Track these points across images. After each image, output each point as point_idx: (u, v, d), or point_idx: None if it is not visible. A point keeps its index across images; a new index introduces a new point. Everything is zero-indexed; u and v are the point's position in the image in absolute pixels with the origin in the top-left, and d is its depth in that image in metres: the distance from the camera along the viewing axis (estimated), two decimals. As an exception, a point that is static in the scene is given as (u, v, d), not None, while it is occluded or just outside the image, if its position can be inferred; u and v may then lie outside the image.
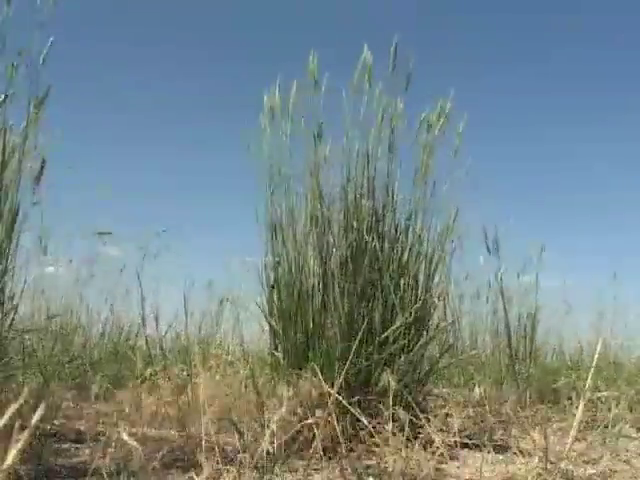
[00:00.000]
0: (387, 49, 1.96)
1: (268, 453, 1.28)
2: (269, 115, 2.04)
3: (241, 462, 1.27)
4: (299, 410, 1.55)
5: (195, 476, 1.26)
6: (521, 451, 1.60)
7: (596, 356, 1.64)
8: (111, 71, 7.00)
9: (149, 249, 3.10)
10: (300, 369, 1.62)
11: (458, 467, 1.56)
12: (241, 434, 1.40)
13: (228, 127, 6.81)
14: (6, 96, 1.60)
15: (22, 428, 0.46)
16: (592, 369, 1.32)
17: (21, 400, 0.49)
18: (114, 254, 3.52)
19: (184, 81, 7.47)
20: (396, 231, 1.96)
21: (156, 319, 2.51)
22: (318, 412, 1.47)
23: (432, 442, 1.50)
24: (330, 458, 1.48)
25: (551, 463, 1.27)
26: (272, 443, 1.30)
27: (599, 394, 1.69)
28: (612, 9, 6.76)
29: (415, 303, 1.87)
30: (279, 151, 2.04)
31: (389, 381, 1.50)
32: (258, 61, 6.84)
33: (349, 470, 1.40)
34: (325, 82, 1.99)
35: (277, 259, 1.98)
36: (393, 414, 1.51)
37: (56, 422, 1.84)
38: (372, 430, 1.48)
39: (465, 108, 2.09)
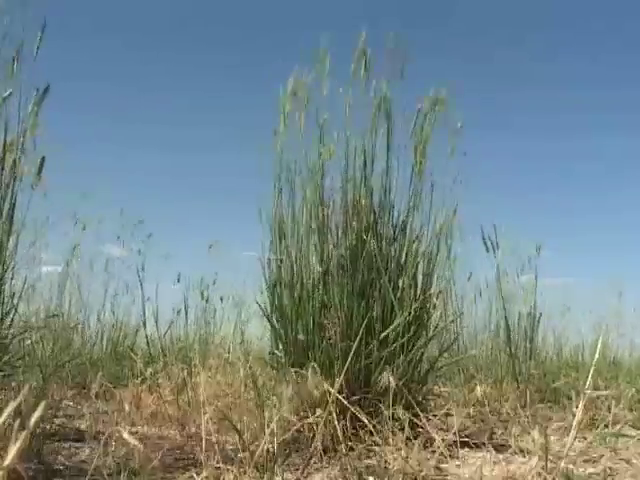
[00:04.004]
0: (385, 46, 1.95)
1: (268, 452, 1.28)
2: (284, 113, 2.03)
3: (241, 461, 1.27)
4: (299, 409, 1.55)
5: (195, 475, 1.26)
6: (521, 450, 1.60)
7: (596, 355, 1.64)
8: (110, 70, 6.99)
9: (149, 249, 3.11)
10: (300, 368, 1.62)
11: (458, 466, 1.56)
12: (240, 434, 1.40)
13: (227, 127, 6.80)
14: (9, 94, 1.59)
15: (22, 427, 0.46)
16: (592, 368, 1.32)
17: (20, 398, 0.49)
18: (114, 253, 3.53)
19: (185, 81, 7.47)
20: (394, 230, 1.96)
21: (156, 318, 2.51)
22: (318, 411, 1.47)
23: (432, 441, 1.50)
24: (330, 457, 1.48)
25: (551, 462, 1.27)
26: (272, 442, 1.30)
27: (599, 393, 1.69)
28: (609, 10, 6.76)
29: (414, 302, 1.87)
30: (288, 150, 2.04)
31: (389, 380, 1.50)
32: (260, 60, 6.84)
33: (349, 469, 1.40)
34: (330, 79, 1.98)
35: (280, 258, 1.98)
36: (393, 413, 1.51)
37: (56, 421, 1.84)
38: (372, 429, 1.48)
39: (464, 107, 2.08)
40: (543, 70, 7.16)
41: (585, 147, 6.97)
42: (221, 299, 3.66)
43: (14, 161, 1.61)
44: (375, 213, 1.92)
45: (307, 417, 1.48)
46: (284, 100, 2.02)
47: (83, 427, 1.91)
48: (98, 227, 3.33)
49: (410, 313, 1.82)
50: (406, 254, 1.94)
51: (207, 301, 3.54)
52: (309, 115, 2.02)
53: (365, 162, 1.94)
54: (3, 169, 1.59)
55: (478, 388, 2.14)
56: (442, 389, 2.33)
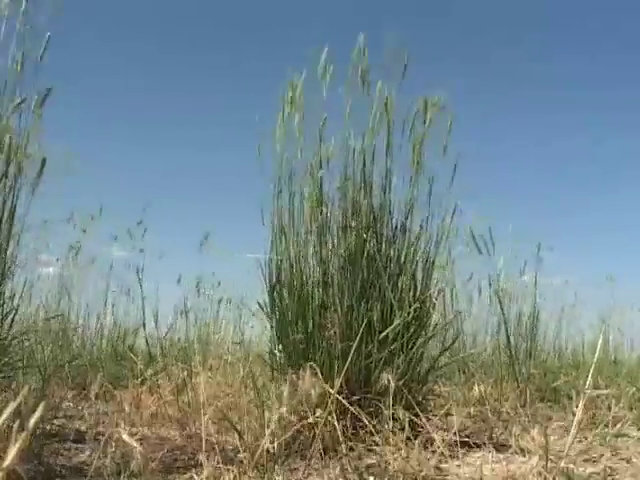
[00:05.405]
0: (385, 45, 1.95)
1: (268, 452, 1.28)
2: (283, 112, 2.02)
3: (241, 462, 1.27)
4: (299, 409, 1.55)
5: (195, 476, 1.26)
6: (521, 450, 1.60)
7: (596, 355, 1.64)
8: (111, 70, 6.99)
9: (151, 250, 3.11)
10: (300, 368, 1.62)
11: (458, 466, 1.56)
12: (240, 434, 1.40)
13: (230, 127, 6.81)
14: (22, 101, 1.59)
15: (22, 428, 0.46)
16: (592, 367, 1.32)
17: (20, 399, 0.49)
18: (115, 254, 3.53)
19: (187, 81, 7.47)
20: (394, 230, 1.95)
21: (156, 319, 2.51)
22: (318, 411, 1.47)
23: (432, 441, 1.50)
24: (330, 457, 1.48)
25: (551, 462, 1.27)
26: (272, 443, 1.30)
27: (599, 392, 1.69)
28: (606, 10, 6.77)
29: (414, 302, 1.87)
30: (288, 150, 2.03)
31: (389, 380, 1.50)
32: (260, 60, 6.84)
33: (349, 469, 1.40)
34: (329, 79, 1.97)
35: (279, 258, 1.98)
36: (393, 413, 1.51)
37: (56, 422, 1.84)
38: (372, 429, 1.48)
39: (462, 107, 2.08)
40: (540, 70, 7.17)
41: (583, 147, 6.98)
42: (228, 301, 3.67)
43: (17, 163, 1.61)
44: (374, 213, 1.92)
45: (307, 417, 1.48)
46: (286, 98, 2.01)
47: (83, 428, 1.91)
48: (97, 227, 3.33)
49: (409, 313, 1.82)
50: (405, 254, 1.94)
51: (208, 301, 3.54)
52: (309, 115, 2.01)
53: (365, 162, 1.94)
54: (6, 171, 1.59)
55: (476, 388, 2.14)
56: (442, 389, 2.33)
